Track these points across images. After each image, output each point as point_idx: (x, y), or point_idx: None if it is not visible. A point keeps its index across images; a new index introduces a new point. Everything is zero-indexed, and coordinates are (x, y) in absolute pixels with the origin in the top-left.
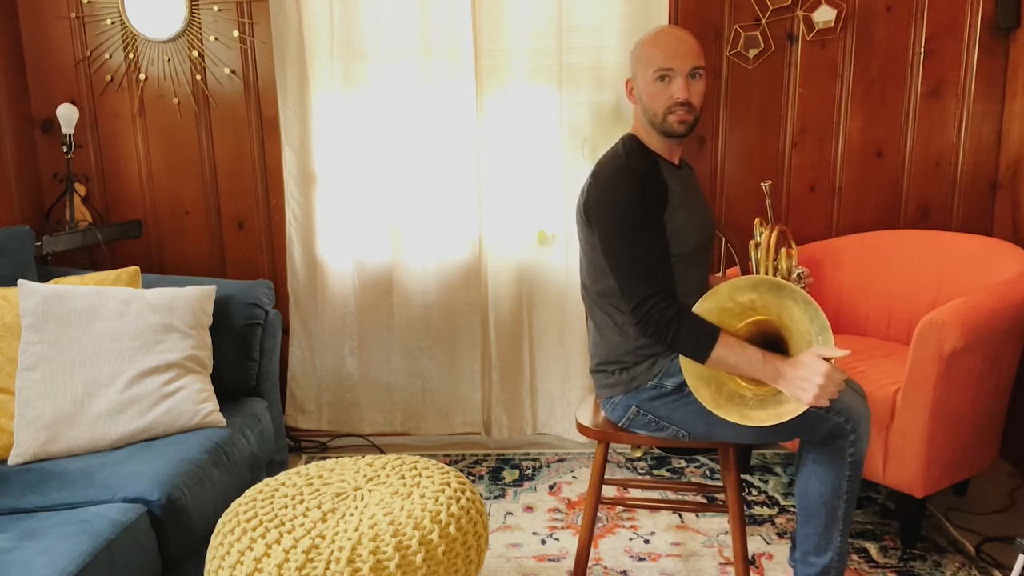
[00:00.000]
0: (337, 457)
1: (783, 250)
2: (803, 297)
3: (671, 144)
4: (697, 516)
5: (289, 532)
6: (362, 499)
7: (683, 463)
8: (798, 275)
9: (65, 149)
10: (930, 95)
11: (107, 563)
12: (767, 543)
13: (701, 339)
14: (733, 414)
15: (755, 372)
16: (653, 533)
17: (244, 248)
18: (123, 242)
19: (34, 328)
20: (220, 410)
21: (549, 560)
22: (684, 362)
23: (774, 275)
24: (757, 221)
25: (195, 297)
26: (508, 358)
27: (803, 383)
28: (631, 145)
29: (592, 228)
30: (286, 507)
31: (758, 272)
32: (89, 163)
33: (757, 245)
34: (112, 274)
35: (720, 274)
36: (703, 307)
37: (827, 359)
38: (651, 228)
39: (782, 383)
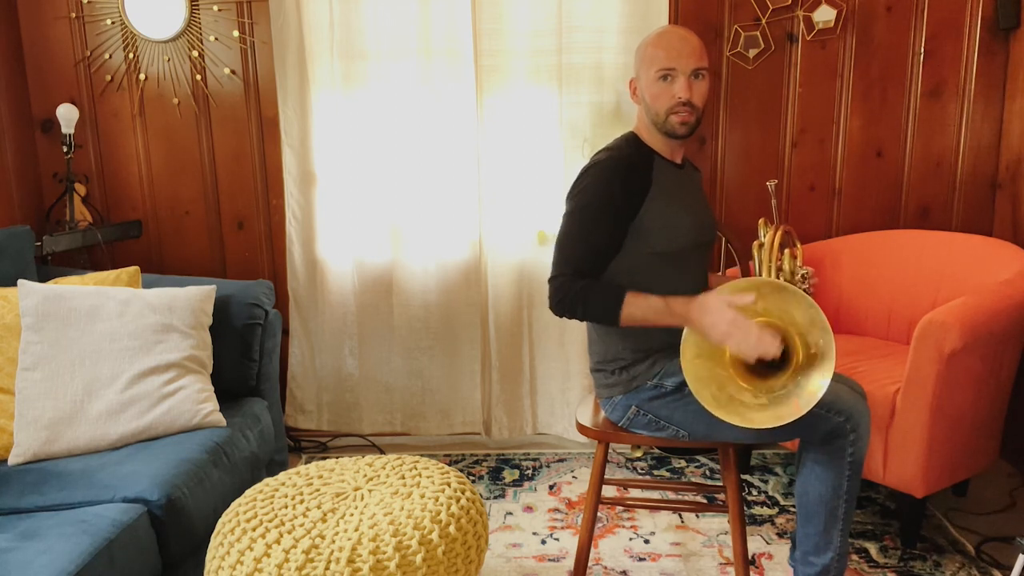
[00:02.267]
0: (337, 457)
1: (787, 251)
2: (804, 299)
3: (673, 144)
4: (697, 516)
5: (289, 532)
6: (362, 499)
7: (683, 463)
8: (802, 275)
9: (65, 149)
10: (930, 95)
11: (107, 563)
12: (767, 543)
13: (607, 304)
14: (733, 416)
15: (663, 320)
16: (653, 533)
17: (244, 248)
18: (123, 242)
19: (34, 328)
20: (220, 410)
21: (549, 560)
22: (684, 363)
23: (777, 276)
24: (762, 221)
25: (195, 297)
26: (508, 358)
27: (710, 326)
28: (627, 140)
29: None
30: (286, 507)
31: (760, 273)
32: (89, 163)
33: (761, 245)
34: (112, 274)
35: (721, 274)
36: None
37: (735, 303)
38: (605, 218)
39: (691, 325)
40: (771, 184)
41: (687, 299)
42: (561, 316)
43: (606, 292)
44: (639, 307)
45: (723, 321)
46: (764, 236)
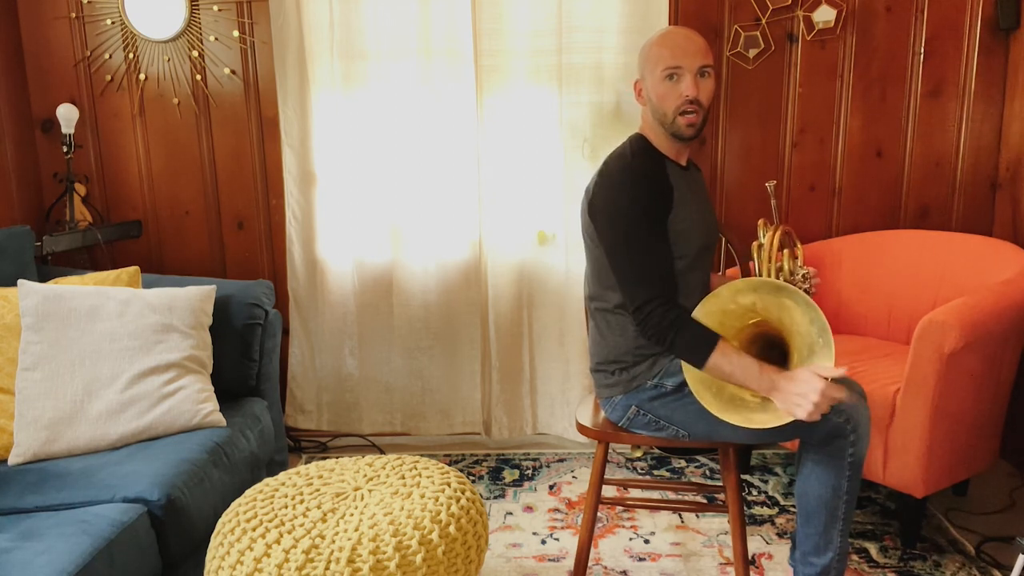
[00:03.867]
0: (337, 457)
1: (786, 251)
2: (803, 299)
3: (679, 145)
4: (697, 516)
5: (289, 532)
6: (362, 499)
7: (683, 463)
8: (803, 275)
9: (65, 149)
10: (930, 95)
11: (107, 563)
12: (767, 543)
13: (699, 345)
14: (734, 416)
15: (749, 382)
16: (653, 533)
17: (244, 248)
18: (123, 242)
19: (34, 328)
20: (220, 410)
21: (549, 560)
22: (686, 365)
23: (776, 277)
24: (761, 222)
25: (195, 297)
26: (508, 358)
27: (798, 399)
28: (638, 145)
29: (596, 228)
30: (286, 507)
31: (760, 273)
32: (89, 163)
33: (760, 246)
34: (112, 274)
35: (721, 274)
36: (705, 309)
37: (824, 376)
38: (655, 230)
39: (776, 396)
40: (770, 185)
41: (778, 368)
42: (654, 343)
43: (701, 334)
44: (730, 360)
45: (813, 391)
46: (763, 237)
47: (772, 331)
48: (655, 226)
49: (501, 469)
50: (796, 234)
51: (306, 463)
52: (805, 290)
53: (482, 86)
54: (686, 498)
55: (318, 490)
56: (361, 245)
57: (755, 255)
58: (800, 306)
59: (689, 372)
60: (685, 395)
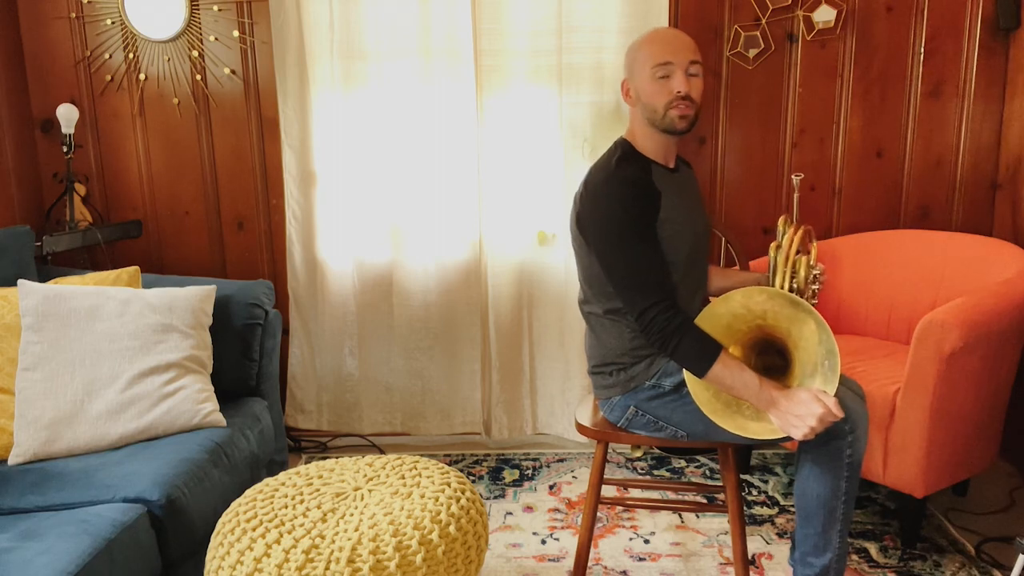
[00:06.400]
0: (337, 457)
1: (803, 258)
2: (814, 317)
3: (668, 144)
4: (697, 516)
5: (289, 532)
6: (362, 499)
7: (683, 463)
8: (815, 275)
9: (65, 149)
10: (930, 95)
11: (107, 563)
12: (767, 543)
13: (702, 354)
14: (729, 423)
15: (749, 396)
16: (653, 533)
17: (244, 248)
18: (123, 242)
19: (34, 328)
20: (220, 410)
21: (549, 560)
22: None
23: (791, 280)
24: (782, 219)
25: (195, 297)
26: (508, 358)
27: (796, 420)
28: (623, 151)
29: (586, 239)
30: (286, 507)
31: (774, 277)
32: (89, 163)
33: (779, 247)
34: (112, 274)
35: (734, 268)
36: (711, 313)
37: (824, 401)
38: (646, 236)
39: (774, 413)
40: (796, 177)
41: (780, 386)
42: (657, 349)
43: (705, 343)
44: (731, 372)
45: (811, 415)
46: (782, 236)
47: (778, 338)
48: (646, 230)
49: (501, 469)
50: (814, 232)
51: (306, 463)
52: (814, 291)
53: (482, 86)
54: (686, 498)
55: (318, 490)
56: (361, 245)
57: (772, 256)
58: (810, 324)
59: (689, 374)
60: (683, 395)
